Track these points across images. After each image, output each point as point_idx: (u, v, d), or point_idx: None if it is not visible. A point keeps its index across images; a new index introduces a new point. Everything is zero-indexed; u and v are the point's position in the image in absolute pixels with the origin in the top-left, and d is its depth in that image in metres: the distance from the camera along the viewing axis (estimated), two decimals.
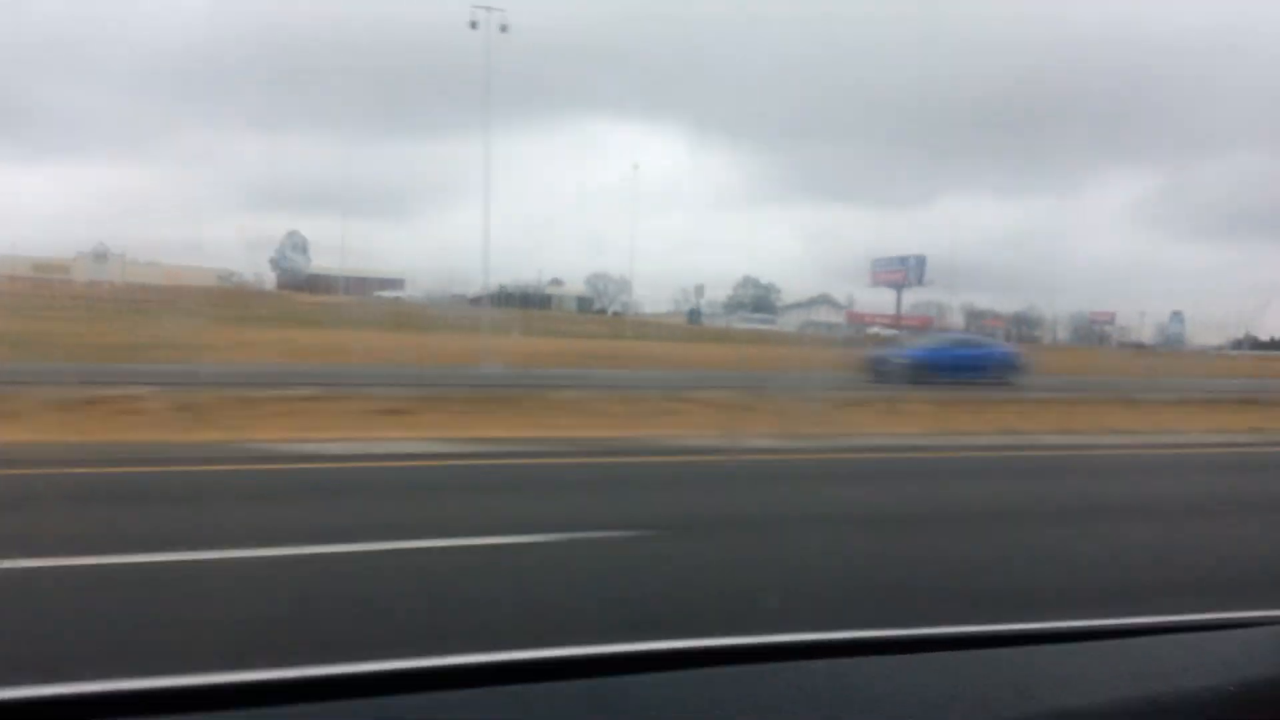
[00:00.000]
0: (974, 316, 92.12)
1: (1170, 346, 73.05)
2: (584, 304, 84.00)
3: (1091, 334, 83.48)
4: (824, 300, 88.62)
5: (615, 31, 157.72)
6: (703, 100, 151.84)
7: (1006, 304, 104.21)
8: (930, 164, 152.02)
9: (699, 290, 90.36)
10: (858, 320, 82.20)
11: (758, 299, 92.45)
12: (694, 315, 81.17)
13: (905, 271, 77.01)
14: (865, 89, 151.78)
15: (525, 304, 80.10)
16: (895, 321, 79.55)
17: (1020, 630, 0.92)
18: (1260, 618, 0.95)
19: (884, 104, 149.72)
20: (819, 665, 0.78)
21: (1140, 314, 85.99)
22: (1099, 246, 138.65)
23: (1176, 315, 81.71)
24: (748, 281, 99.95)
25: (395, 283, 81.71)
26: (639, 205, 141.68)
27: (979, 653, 0.88)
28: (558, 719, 0.66)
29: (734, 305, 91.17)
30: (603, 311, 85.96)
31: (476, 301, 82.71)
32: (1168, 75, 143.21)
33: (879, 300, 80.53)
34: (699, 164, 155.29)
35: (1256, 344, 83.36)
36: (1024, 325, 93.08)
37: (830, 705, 0.68)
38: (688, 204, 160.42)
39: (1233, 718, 0.74)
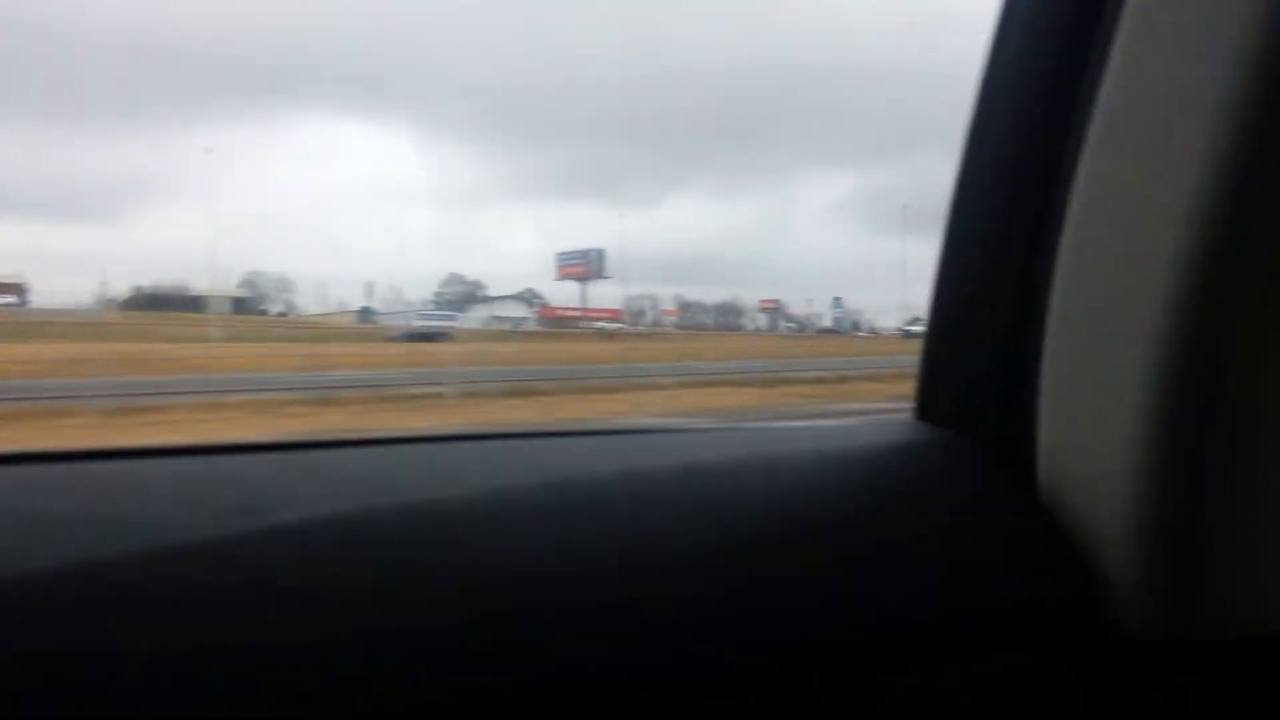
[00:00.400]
0: (684, 307, 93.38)
1: (843, 330, 76.39)
2: (241, 305, 75.25)
3: (773, 319, 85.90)
4: (530, 295, 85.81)
5: (333, 30, 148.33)
6: (435, 103, 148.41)
7: (718, 295, 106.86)
8: (660, 165, 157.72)
9: (369, 288, 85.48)
10: (550, 314, 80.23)
11: (464, 295, 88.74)
12: (365, 313, 75.30)
13: (586, 264, 75.25)
14: (600, 92, 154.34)
15: (173, 306, 70.77)
16: (584, 313, 77.90)
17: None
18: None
19: (617, 107, 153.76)
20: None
21: (809, 300, 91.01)
22: (808, 241, 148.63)
23: (837, 301, 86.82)
24: (453, 278, 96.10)
25: (14, 287, 69.69)
26: (353, 202, 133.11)
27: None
28: (255, 483, 0.73)
29: (442, 302, 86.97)
30: (263, 312, 77.96)
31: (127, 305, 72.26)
32: (857, 88, 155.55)
33: (598, 294, 79.36)
34: (431, 164, 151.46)
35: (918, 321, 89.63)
36: (730, 314, 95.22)
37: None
38: (421, 203, 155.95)
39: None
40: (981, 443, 0.91)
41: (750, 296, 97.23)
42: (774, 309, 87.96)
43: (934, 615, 0.76)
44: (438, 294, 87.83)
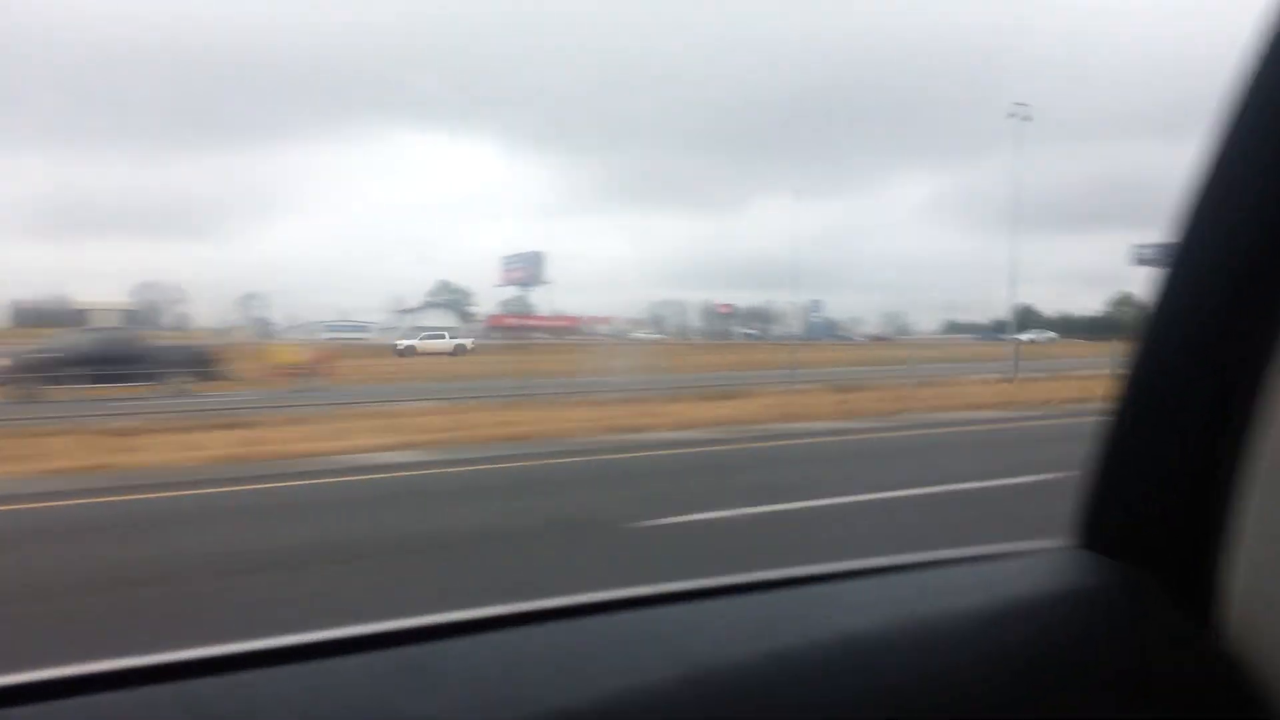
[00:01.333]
0: (708, 312, 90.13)
1: (814, 336, 66.67)
2: (132, 319, 63.15)
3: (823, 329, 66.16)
4: (518, 303, 77.43)
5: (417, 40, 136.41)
6: (517, 114, 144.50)
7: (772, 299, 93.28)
8: (741, 170, 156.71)
9: (248, 299, 76.32)
10: (498, 324, 70.15)
11: (451, 304, 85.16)
12: (260, 326, 65.95)
13: (525, 269, 67.99)
14: (678, 98, 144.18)
15: (55, 321, 62.70)
16: (534, 322, 66.77)
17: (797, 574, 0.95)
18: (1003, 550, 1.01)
19: (695, 113, 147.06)
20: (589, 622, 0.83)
21: (791, 303, 73.72)
22: (894, 243, 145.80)
23: (815, 303, 68.41)
24: (443, 287, 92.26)
25: None
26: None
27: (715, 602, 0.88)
28: (367, 692, 0.67)
29: (429, 310, 79.72)
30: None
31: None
32: (943, 83, 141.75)
33: (585, 302, 70.40)
34: (509, 174, 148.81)
35: (957, 327, 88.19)
36: (766, 320, 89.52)
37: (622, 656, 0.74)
38: (496, 215, 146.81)
39: (998, 633, 0.79)
40: (1155, 576, 0.83)
41: (799, 300, 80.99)
42: (729, 313, 68.56)
43: None
44: (424, 302, 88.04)
